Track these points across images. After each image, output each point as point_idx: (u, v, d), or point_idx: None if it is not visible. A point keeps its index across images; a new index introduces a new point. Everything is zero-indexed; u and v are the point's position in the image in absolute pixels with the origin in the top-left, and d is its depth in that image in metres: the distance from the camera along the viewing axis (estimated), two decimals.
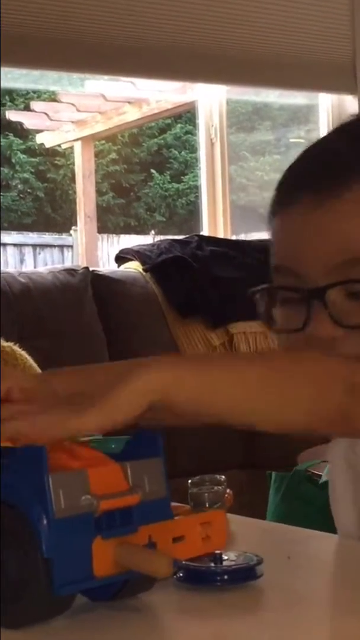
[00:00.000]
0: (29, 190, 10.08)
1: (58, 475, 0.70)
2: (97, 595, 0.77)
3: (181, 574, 0.79)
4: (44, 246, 8.06)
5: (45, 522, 0.69)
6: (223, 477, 1.02)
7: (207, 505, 0.95)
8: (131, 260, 3.90)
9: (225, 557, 0.82)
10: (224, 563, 0.81)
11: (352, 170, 0.83)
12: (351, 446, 0.98)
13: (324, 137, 0.95)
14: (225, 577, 0.79)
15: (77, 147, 5.51)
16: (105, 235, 8.12)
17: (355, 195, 0.83)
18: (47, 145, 6.65)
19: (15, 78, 5.08)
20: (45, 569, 0.69)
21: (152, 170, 10.43)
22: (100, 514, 0.71)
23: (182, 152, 10.36)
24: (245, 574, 0.81)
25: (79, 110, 5.40)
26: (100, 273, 3.76)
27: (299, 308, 0.87)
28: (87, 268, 3.73)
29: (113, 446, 1.10)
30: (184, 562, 0.79)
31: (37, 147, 9.15)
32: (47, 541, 0.69)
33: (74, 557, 0.70)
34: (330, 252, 0.84)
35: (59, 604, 0.72)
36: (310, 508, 2.06)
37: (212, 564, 0.80)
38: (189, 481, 0.99)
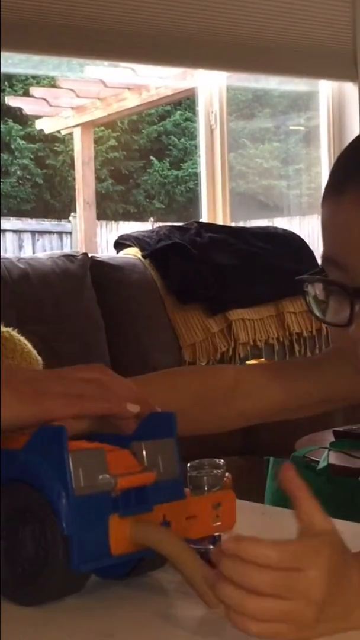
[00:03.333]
0: (28, 176, 10.06)
1: (77, 454, 0.71)
2: (110, 573, 0.78)
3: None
4: (42, 232, 8.04)
5: (65, 499, 0.70)
6: (222, 461, 1.03)
7: (206, 489, 0.95)
8: (130, 246, 3.90)
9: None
10: None
11: None
12: None
13: None
14: None
15: (77, 133, 5.49)
16: (104, 222, 8.11)
17: None
18: (47, 132, 6.63)
19: (15, 63, 5.06)
20: (65, 546, 0.70)
21: (152, 157, 10.41)
22: (117, 493, 0.72)
23: (182, 139, 10.34)
24: None
25: (79, 96, 5.38)
26: (99, 259, 3.76)
27: (345, 304, 0.85)
28: (86, 254, 3.73)
29: None
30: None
31: (36, 133, 9.12)
32: (67, 518, 0.69)
33: (93, 535, 0.71)
34: None
35: (76, 582, 0.73)
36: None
37: (211, 546, 0.81)
38: (189, 465, 1.00)
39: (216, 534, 0.82)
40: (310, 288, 0.90)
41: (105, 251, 5.90)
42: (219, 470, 0.99)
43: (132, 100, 5.23)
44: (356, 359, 0.86)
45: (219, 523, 0.80)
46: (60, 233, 8.08)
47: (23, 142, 9.95)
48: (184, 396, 1.12)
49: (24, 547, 0.72)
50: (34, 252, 7.51)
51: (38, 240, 7.95)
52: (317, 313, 0.90)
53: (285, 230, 4.17)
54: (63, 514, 0.70)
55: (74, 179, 5.77)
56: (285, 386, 1.13)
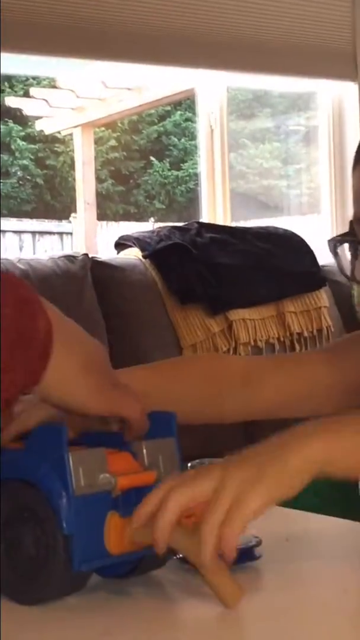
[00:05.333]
0: (28, 177, 10.06)
1: (77, 453, 0.71)
2: (111, 572, 0.78)
3: (182, 555, 0.80)
4: (43, 233, 8.05)
5: (65, 499, 0.70)
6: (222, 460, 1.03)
7: None
8: (131, 247, 3.90)
9: None
10: None
11: None
12: None
13: None
14: None
15: (77, 133, 5.50)
16: (104, 223, 8.12)
17: None
18: (47, 132, 6.64)
19: (14, 64, 5.06)
20: (65, 545, 0.70)
21: (152, 158, 10.42)
22: (118, 492, 0.72)
23: (182, 140, 10.34)
24: (245, 555, 0.81)
25: (79, 97, 5.38)
26: (100, 260, 3.76)
27: None
28: (86, 255, 3.73)
29: None
30: None
31: (36, 134, 9.13)
32: (67, 518, 0.70)
33: (93, 534, 0.71)
34: None
35: (76, 581, 0.73)
36: (307, 492, 2.07)
37: None
38: (189, 464, 1.00)
39: None
40: (340, 249, 0.91)
41: (106, 251, 5.91)
42: None
43: (132, 101, 5.23)
44: None
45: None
46: (60, 234, 8.09)
47: (23, 142, 9.96)
48: (192, 385, 1.11)
49: (24, 546, 0.72)
50: (34, 253, 7.52)
51: (38, 241, 7.95)
52: (347, 272, 0.91)
53: (285, 230, 4.17)
54: (63, 514, 0.70)
55: (74, 179, 5.78)
56: (294, 372, 1.11)
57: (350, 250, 0.92)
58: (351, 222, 0.92)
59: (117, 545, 0.72)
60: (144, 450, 0.77)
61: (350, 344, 1.13)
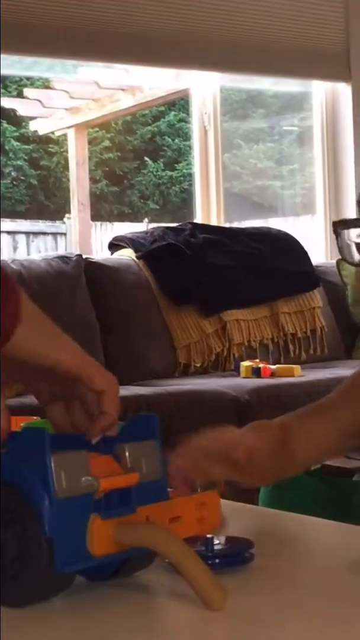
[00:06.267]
0: (22, 177, 10.05)
1: (60, 456, 0.71)
2: (95, 575, 0.78)
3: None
4: (37, 234, 8.04)
5: (47, 501, 0.70)
6: None
7: (198, 490, 0.96)
8: (124, 247, 3.90)
9: (217, 542, 0.83)
10: (216, 547, 0.82)
11: None
12: None
13: None
14: (217, 560, 0.80)
15: (71, 134, 5.49)
16: (98, 223, 8.11)
17: None
18: (41, 133, 6.63)
19: (8, 65, 5.05)
20: (48, 547, 0.70)
21: (146, 158, 10.41)
22: (100, 495, 0.72)
23: (176, 140, 10.34)
24: (237, 558, 0.81)
25: (73, 98, 5.38)
26: (94, 260, 3.76)
27: None
28: (80, 255, 3.73)
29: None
30: None
31: (30, 134, 9.12)
32: (50, 520, 0.70)
33: (75, 536, 0.71)
34: None
35: (60, 583, 0.73)
36: (302, 495, 2.06)
37: (204, 548, 0.81)
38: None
39: (209, 535, 0.82)
40: (340, 232, 0.92)
41: (100, 252, 5.90)
42: None
43: (126, 101, 5.23)
44: None
45: (203, 524, 0.80)
46: (54, 234, 8.08)
47: (17, 143, 9.95)
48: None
49: (7, 548, 0.72)
50: (28, 254, 7.50)
51: (32, 241, 7.94)
52: (347, 257, 0.93)
53: (279, 231, 4.17)
54: (45, 516, 0.70)
55: (68, 180, 5.77)
56: (330, 425, 1.12)
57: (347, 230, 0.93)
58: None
59: (100, 546, 0.72)
60: (127, 453, 0.77)
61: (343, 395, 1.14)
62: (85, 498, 0.72)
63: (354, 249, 0.93)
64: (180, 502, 0.80)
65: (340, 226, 0.94)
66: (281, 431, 1.08)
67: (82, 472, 0.72)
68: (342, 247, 0.94)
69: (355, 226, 0.93)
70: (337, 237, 0.94)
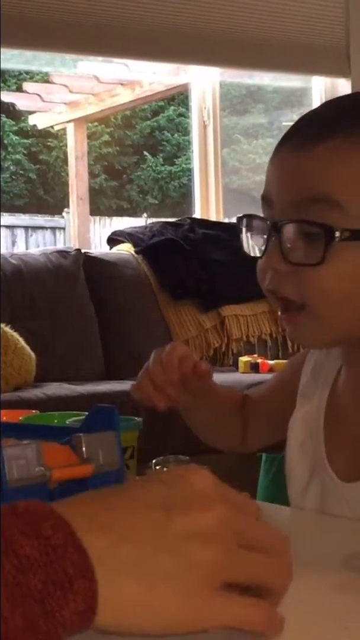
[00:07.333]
0: (21, 171, 10.05)
1: (11, 447, 0.72)
2: None
3: None
4: (36, 228, 8.04)
5: None
6: (187, 457, 1.04)
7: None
8: (123, 242, 3.90)
9: None
10: None
11: (328, 129, 0.91)
12: (308, 434, 1.01)
13: (320, 105, 1.05)
14: None
15: (70, 128, 5.49)
16: (97, 218, 8.11)
17: (327, 148, 0.89)
18: (40, 127, 6.63)
19: (8, 59, 5.05)
20: None
21: (145, 153, 10.41)
22: (54, 484, 0.73)
23: (175, 135, 10.34)
24: None
25: (72, 92, 5.38)
26: (92, 255, 3.76)
27: (264, 238, 0.94)
28: (79, 250, 3.73)
29: (55, 421, 1.12)
30: None
31: (29, 129, 9.12)
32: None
33: None
34: (294, 190, 0.90)
35: None
36: None
37: None
38: (153, 461, 1.01)
39: None
40: (240, 226, 0.97)
41: (99, 247, 5.90)
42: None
43: (125, 96, 5.23)
44: (265, 291, 0.96)
45: None
46: (53, 228, 8.09)
47: (16, 137, 9.95)
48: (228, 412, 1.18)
49: None
50: (27, 248, 7.51)
51: (31, 235, 7.95)
52: (245, 249, 1.00)
53: None
54: None
55: (67, 174, 5.78)
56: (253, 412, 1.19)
57: (246, 224, 0.99)
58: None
59: None
60: (83, 443, 0.78)
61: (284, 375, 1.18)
62: (38, 488, 0.73)
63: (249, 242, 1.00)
64: None
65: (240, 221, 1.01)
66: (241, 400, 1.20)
67: (35, 462, 0.73)
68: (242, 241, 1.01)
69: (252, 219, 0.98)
70: (240, 234, 1.01)
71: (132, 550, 0.54)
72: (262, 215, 0.96)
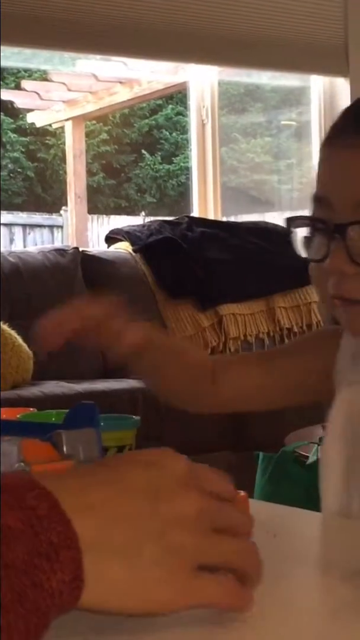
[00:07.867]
0: (19, 169, 10.05)
1: None
2: None
3: None
4: (33, 226, 8.04)
5: None
6: (185, 456, 1.04)
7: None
8: (121, 240, 3.90)
9: None
10: None
11: None
12: (350, 423, 0.99)
13: None
14: None
15: (68, 126, 5.49)
16: (95, 216, 8.11)
17: None
18: (38, 125, 6.63)
19: (6, 56, 5.05)
20: None
21: (143, 151, 10.41)
22: None
23: (173, 133, 10.34)
24: None
25: (70, 90, 5.37)
26: (90, 253, 3.76)
27: (325, 240, 0.90)
28: (77, 248, 3.74)
29: (53, 419, 1.13)
30: None
31: (27, 127, 9.12)
32: None
33: None
34: (359, 189, 0.87)
35: None
36: (296, 488, 2.07)
37: None
38: None
39: None
40: (293, 228, 0.95)
41: (97, 245, 5.90)
42: None
43: (123, 94, 5.22)
44: (327, 295, 0.92)
45: None
46: (51, 227, 8.08)
47: (14, 135, 9.95)
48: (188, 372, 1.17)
49: None
50: (25, 246, 7.50)
51: (29, 234, 7.95)
52: (300, 252, 0.95)
53: (276, 226, 4.18)
54: None
55: (65, 172, 5.77)
56: (263, 366, 1.14)
57: (302, 226, 0.95)
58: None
59: None
60: (64, 440, 0.78)
61: (313, 339, 1.17)
62: None
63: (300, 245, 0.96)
64: None
65: (290, 223, 0.97)
66: (212, 362, 1.16)
67: (15, 458, 0.73)
68: (294, 243, 0.97)
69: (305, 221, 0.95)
70: (290, 236, 0.97)
71: (120, 535, 0.57)
72: (308, 215, 0.93)
